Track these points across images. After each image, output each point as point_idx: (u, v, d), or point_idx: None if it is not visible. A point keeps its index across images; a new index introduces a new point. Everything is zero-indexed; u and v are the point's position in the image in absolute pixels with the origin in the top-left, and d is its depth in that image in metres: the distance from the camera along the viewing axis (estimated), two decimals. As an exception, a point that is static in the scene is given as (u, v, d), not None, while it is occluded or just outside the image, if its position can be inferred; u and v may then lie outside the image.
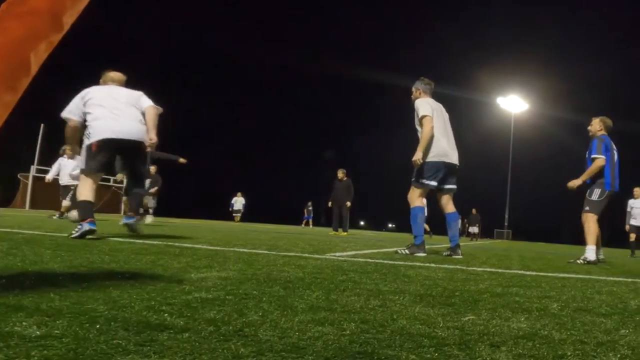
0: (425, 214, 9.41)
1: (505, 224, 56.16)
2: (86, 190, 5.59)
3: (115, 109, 5.69)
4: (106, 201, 21.47)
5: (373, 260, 4.69)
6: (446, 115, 6.79)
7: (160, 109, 6.03)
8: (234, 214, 32.27)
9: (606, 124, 7.93)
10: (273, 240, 7.87)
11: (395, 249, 7.12)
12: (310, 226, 35.63)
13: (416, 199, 6.58)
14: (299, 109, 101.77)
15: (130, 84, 6.18)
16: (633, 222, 15.31)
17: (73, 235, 5.09)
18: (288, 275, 2.98)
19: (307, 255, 4.86)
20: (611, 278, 4.45)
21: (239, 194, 32.85)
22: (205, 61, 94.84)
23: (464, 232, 33.65)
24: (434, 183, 6.53)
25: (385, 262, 4.67)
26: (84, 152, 5.71)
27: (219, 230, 11.20)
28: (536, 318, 2.02)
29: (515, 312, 2.15)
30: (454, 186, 6.71)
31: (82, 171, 5.71)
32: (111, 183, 28.56)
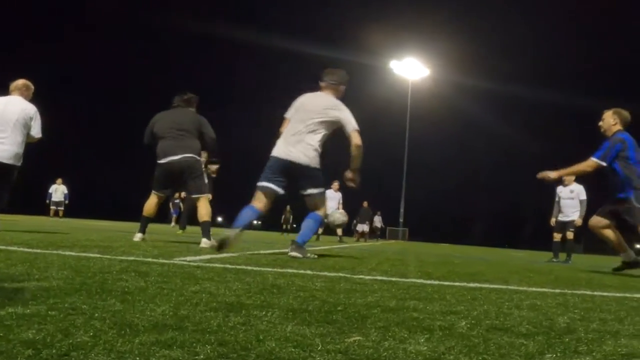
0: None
1: (401, 220, 58.39)
2: None
3: None
4: None
5: (233, 266, 4.76)
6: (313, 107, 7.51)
7: None
8: (52, 207, 32.05)
9: (622, 117, 8.59)
10: (108, 241, 7.89)
11: (262, 251, 7.16)
12: (172, 224, 35.40)
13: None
14: (139, 71, 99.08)
15: None
16: (561, 217, 15.35)
17: None
18: (126, 284, 3.00)
19: (150, 259, 4.89)
20: (534, 289, 4.75)
21: (58, 180, 32.66)
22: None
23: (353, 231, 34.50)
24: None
25: (249, 268, 4.74)
26: None
27: (38, 229, 11.07)
28: (439, 339, 2.12)
29: (413, 331, 2.24)
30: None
31: None
32: None
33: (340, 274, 4.77)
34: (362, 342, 1.97)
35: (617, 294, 4.78)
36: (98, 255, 4.92)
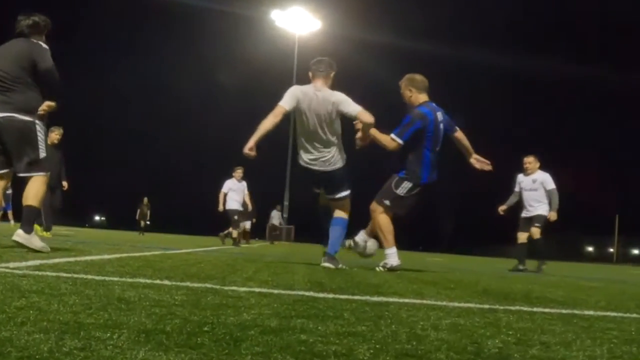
0: None
1: (285, 215, 58.89)
2: None
3: None
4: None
5: (70, 275, 4.73)
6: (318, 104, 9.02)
7: None
8: None
9: (417, 85, 9.65)
10: None
11: (106, 255, 7.09)
12: (11, 222, 34.54)
13: None
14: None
15: None
16: (525, 213, 15.38)
17: None
18: None
19: None
20: (456, 304, 4.81)
21: None
22: None
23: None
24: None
25: (90, 277, 4.71)
26: None
27: None
28: (336, 369, 2.11)
29: (301, 358, 2.24)
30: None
31: None
32: None
33: (207, 285, 4.77)
34: (236, 373, 1.93)
35: (564, 311, 4.84)
36: None
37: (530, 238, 15.25)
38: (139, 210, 44.24)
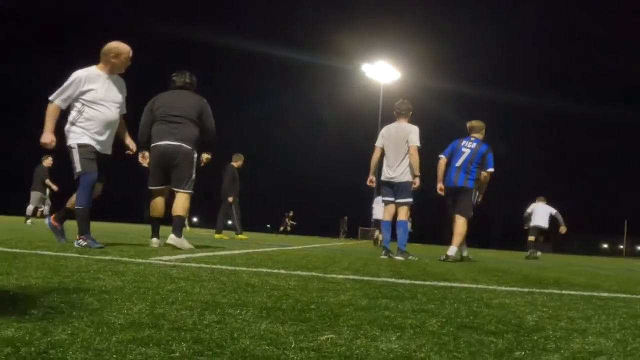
0: None
1: (373, 220, 58.46)
2: None
3: None
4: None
5: (209, 266, 4.77)
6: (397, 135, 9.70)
7: None
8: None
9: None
10: None
11: (236, 251, 7.18)
12: (187, 227, 34.94)
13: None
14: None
15: None
16: (534, 224, 18.83)
17: None
18: (104, 284, 3.01)
19: (127, 259, 4.91)
20: (503, 288, 4.75)
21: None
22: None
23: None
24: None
25: (224, 267, 4.75)
26: None
27: (17, 229, 11.13)
28: (411, 337, 2.12)
29: (385, 329, 2.23)
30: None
31: None
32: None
33: (314, 274, 4.77)
34: (335, 340, 1.96)
35: (585, 293, 4.79)
36: (76, 256, 4.91)
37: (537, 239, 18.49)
38: (286, 219, 45.79)
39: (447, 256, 9.71)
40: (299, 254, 8.34)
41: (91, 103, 6.59)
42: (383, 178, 9.74)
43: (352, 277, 4.76)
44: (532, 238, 18.34)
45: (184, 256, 5.87)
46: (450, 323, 2.51)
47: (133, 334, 1.81)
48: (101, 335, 1.75)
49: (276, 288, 3.41)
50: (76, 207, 6.53)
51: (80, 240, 6.35)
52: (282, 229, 47.93)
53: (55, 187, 20.19)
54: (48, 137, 6.43)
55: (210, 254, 6.72)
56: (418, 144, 9.41)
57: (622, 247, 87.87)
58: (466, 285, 4.75)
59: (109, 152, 6.84)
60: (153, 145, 7.80)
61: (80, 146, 6.49)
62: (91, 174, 6.45)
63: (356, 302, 3.02)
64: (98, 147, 6.60)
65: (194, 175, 7.83)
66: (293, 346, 1.80)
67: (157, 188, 7.95)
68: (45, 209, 20.10)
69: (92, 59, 6.76)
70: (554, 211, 18.57)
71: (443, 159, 10.08)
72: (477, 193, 10.22)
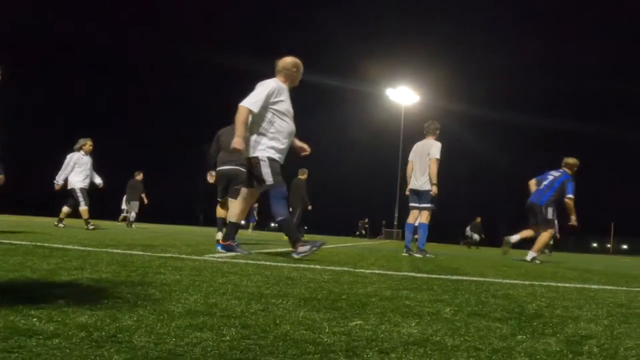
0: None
1: (395, 223, 58.28)
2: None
3: None
4: None
5: (254, 262, 4.78)
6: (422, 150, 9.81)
7: None
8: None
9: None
10: (149, 240, 7.96)
11: (280, 249, 7.21)
12: (249, 230, 35.36)
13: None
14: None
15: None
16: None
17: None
18: (164, 277, 3.03)
19: (184, 256, 4.94)
20: (507, 281, 4.73)
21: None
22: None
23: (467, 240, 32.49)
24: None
25: (268, 263, 4.76)
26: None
27: (90, 231, 11.17)
28: (427, 323, 2.12)
29: (406, 316, 2.24)
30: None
31: None
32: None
33: (345, 268, 4.77)
34: (363, 325, 1.96)
35: (577, 285, 4.77)
36: (140, 253, 4.96)
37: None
38: (363, 223, 50.24)
39: (532, 258, 10.21)
40: (331, 252, 8.34)
41: (281, 114, 6.01)
42: (411, 186, 9.86)
43: (377, 271, 4.76)
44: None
45: (232, 253, 5.88)
46: (461, 311, 2.51)
47: (189, 320, 1.83)
48: (162, 322, 1.77)
49: (312, 281, 3.42)
50: (279, 219, 5.97)
51: (300, 248, 5.77)
52: (357, 232, 49.68)
53: (146, 200, 20.84)
54: (241, 143, 5.79)
55: (256, 251, 6.74)
56: (437, 156, 9.43)
57: (609, 245, 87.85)
58: (475, 278, 4.72)
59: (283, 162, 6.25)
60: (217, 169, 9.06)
61: (271, 160, 5.91)
62: (282, 186, 5.94)
63: (381, 292, 3.02)
64: (281, 160, 6.04)
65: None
66: (327, 330, 1.81)
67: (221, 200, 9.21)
68: (132, 215, 20.35)
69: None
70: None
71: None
72: (552, 210, 10.56)
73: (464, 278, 4.70)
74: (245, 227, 32.10)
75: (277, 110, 5.97)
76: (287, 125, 6.06)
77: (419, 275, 4.67)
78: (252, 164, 6.01)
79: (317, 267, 4.70)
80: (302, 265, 4.72)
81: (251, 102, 5.86)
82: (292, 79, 6.32)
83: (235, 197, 7.94)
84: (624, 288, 4.85)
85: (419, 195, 9.69)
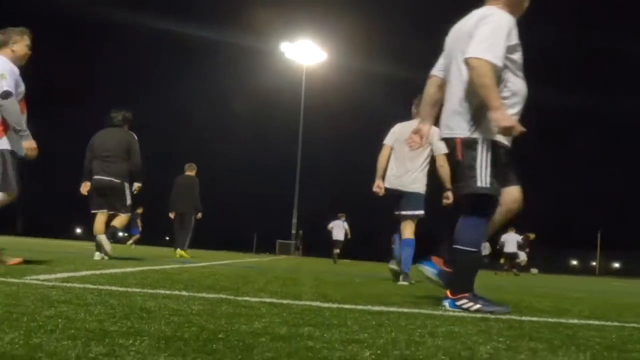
0: None
1: (293, 231, 58.73)
2: None
3: None
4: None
5: (95, 287, 4.76)
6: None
7: None
8: None
9: None
10: None
11: (129, 269, 7.11)
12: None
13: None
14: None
15: None
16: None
17: None
18: None
19: None
20: (450, 313, 4.78)
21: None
22: None
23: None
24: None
25: (114, 288, 4.74)
26: None
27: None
28: (340, 373, 2.12)
29: (310, 364, 2.23)
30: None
31: None
32: None
33: (222, 296, 4.77)
34: (248, 377, 1.94)
35: (550, 320, 4.83)
36: None
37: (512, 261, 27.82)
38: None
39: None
40: (203, 272, 8.31)
41: (516, 68, 5.07)
42: (388, 184, 9.87)
43: (268, 299, 4.77)
44: (503, 260, 26.97)
45: (65, 274, 5.81)
46: (386, 356, 2.53)
47: (2, 369, 1.77)
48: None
49: (176, 313, 3.40)
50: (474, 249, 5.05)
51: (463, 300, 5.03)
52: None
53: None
54: (511, 118, 4.79)
55: (97, 271, 6.64)
56: (445, 150, 9.19)
57: (594, 263, 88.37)
58: (406, 310, 4.79)
59: None
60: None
61: (499, 146, 4.98)
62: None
63: (273, 330, 3.03)
64: (509, 144, 5.09)
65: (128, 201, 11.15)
66: (196, 385, 1.79)
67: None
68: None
69: None
70: (519, 238, 26.71)
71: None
72: None
73: (390, 309, 4.75)
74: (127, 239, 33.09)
75: (512, 62, 5.05)
76: (522, 84, 5.18)
77: (327, 305, 4.70)
78: (458, 152, 5.13)
79: (184, 294, 4.68)
80: (161, 292, 4.69)
81: (494, 52, 4.83)
82: (519, 5, 5.27)
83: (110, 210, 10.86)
84: (615, 323, 4.90)
85: (402, 198, 9.75)
